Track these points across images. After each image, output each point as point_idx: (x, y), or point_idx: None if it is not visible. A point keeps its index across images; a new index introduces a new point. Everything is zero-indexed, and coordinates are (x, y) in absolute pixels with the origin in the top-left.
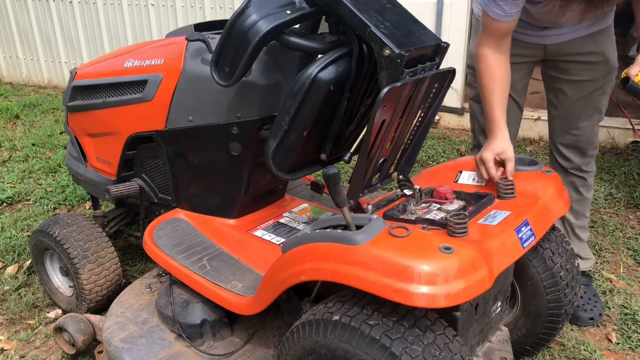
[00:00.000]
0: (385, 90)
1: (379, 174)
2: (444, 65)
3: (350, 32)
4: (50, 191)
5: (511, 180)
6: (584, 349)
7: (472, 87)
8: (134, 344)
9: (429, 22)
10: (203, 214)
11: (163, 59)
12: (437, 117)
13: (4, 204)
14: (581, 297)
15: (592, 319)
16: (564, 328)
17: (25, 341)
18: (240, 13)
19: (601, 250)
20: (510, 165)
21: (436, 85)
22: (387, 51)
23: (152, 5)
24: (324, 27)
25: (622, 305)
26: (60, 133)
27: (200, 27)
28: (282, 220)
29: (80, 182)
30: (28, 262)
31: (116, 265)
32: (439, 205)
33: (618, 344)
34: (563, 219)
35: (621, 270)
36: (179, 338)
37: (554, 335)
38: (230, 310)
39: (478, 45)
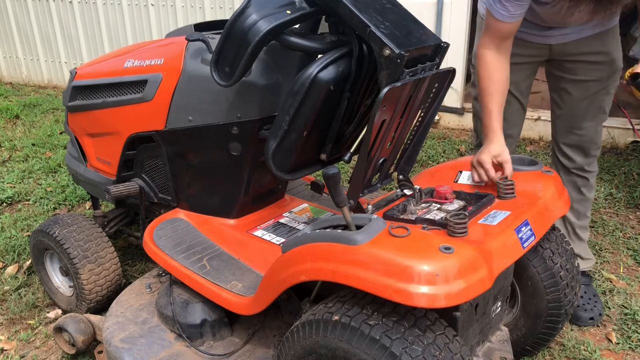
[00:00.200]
0: (385, 90)
1: (379, 174)
2: (444, 65)
3: (350, 32)
4: (50, 191)
5: (511, 181)
6: (584, 349)
7: (475, 86)
8: (134, 344)
9: (429, 22)
10: (203, 214)
11: (163, 59)
12: (437, 117)
13: (4, 204)
14: (581, 297)
15: (592, 319)
16: (564, 328)
17: (25, 341)
18: (240, 13)
19: (601, 250)
20: (509, 168)
21: (436, 85)
22: (387, 51)
23: (152, 5)
24: (324, 27)
25: (622, 305)
26: (60, 133)
27: (200, 27)
28: (282, 220)
29: (80, 182)
30: (28, 262)
31: (116, 265)
32: (439, 205)
33: (618, 344)
34: (564, 218)
35: (621, 270)
36: (179, 338)
37: (554, 335)
38: (230, 310)
39: (479, 46)
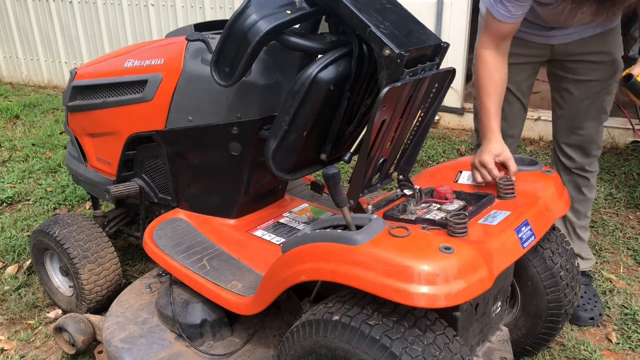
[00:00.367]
0: (385, 90)
1: (379, 174)
2: (444, 65)
3: (350, 32)
4: (50, 191)
5: (511, 180)
6: (584, 349)
7: None
8: (134, 344)
9: (429, 22)
10: (203, 214)
11: (163, 59)
12: (437, 117)
13: (4, 204)
14: (581, 297)
15: (592, 318)
16: (564, 328)
17: (25, 341)
18: (240, 13)
19: (601, 250)
20: (513, 165)
21: (436, 85)
22: (387, 51)
23: (152, 5)
24: (324, 27)
25: (622, 305)
26: (60, 133)
27: (200, 27)
28: (282, 220)
29: (80, 182)
30: (28, 262)
31: (116, 265)
32: (439, 205)
33: (618, 344)
34: (564, 218)
35: (621, 270)
36: (179, 338)
37: (554, 335)
38: (230, 310)
39: (478, 45)
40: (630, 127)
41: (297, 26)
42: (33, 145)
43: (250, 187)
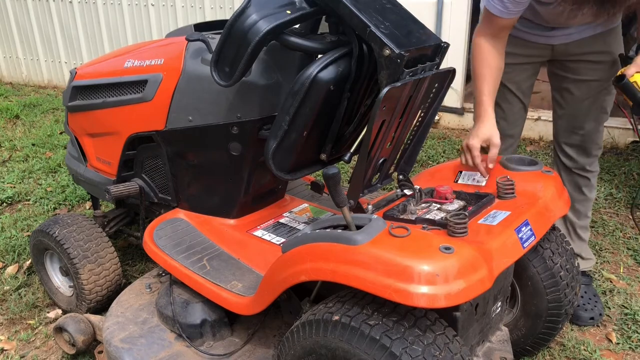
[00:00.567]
0: (385, 90)
1: (379, 174)
2: (444, 65)
3: (350, 32)
4: (50, 191)
5: (511, 180)
6: (584, 349)
7: None
8: (134, 344)
9: (429, 22)
10: (203, 214)
11: (163, 59)
12: (437, 117)
13: (4, 204)
14: (581, 297)
15: (592, 318)
16: (564, 328)
17: (25, 341)
18: (240, 13)
19: (601, 250)
20: (494, 152)
21: (436, 85)
22: (387, 51)
23: (152, 5)
24: (324, 27)
25: (622, 305)
26: (60, 133)
27: (200, 27)
28: (282, 220)
29: (80, 182)
30: (28, 262)
31: (116, 265)
32: (439, 205)
33: (618, 344)
34: (565, 218)
35: (621, 270)
36: (179, 338)
37: (554, 335)
38: (230, 310)
39: (476, 33)
40: (631, 127)
41: (297, 26)
42: (33, 145)
43: (250, 187)
